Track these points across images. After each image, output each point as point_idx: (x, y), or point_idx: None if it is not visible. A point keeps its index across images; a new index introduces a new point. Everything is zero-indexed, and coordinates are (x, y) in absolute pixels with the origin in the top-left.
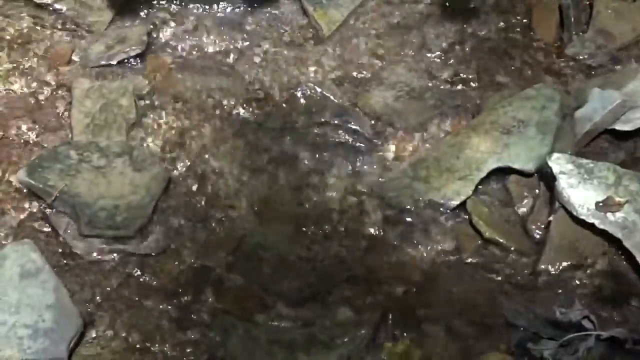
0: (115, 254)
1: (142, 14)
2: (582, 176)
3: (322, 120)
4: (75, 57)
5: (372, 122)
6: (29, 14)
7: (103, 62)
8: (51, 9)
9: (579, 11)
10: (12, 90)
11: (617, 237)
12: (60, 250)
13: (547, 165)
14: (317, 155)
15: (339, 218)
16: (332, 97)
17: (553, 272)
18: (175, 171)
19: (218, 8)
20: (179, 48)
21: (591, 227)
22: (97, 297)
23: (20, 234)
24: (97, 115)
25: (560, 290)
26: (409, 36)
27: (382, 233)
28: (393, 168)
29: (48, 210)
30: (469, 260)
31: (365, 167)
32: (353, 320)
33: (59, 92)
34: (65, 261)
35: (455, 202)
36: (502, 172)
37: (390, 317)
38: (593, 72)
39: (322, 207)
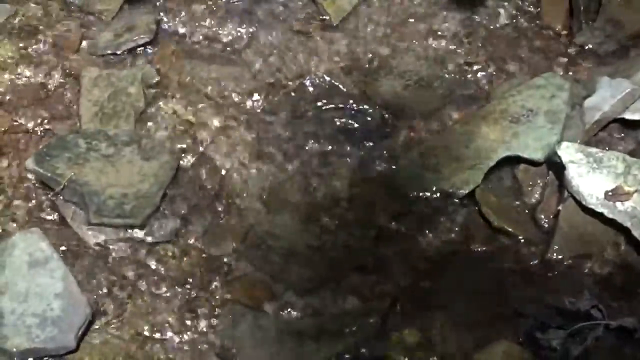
0: (123, 243)
1: (151, 2)
2: (591, 165)
3: (331, 109)
4: (83, 46)
5: (381, 111)
6: (37, 2)
7: (111, 51)
8: None
9: None
10: (20, 79)
11: (626, 227)
12: (68, 238)
13: (556, 154)
14: (325, 144)
15: (348, 207)
16: (341, 86)
17: (562, 262)
18: (183, 160)
19: None
20: (188, 36)
21: (600, 216)
22: (105, 286)
23: (28, 223)
24: (105, 103)
25: (569, 280)
26: (417, 24)
27: (390, 222)
28: (402, 157)
29: (56, 199)
30: (478, 249)
31: (374, 156)
32: (362, 309)
33: (68, 80)
34: (73, 250)
35: (464, 191)
36: (511, 161)
37: (398, 306)
38: (602, 61)
39: (331, 196)
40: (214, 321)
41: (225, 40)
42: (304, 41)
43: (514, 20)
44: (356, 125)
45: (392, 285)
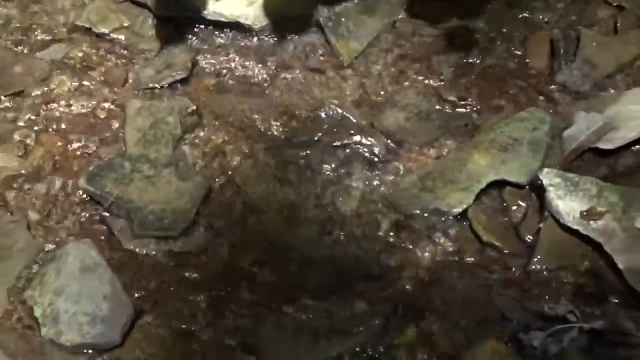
0: (162, 252)
1: (187, 43)
2: (569, 188)
3: (343, 137)
4: (129, 80)
5: (386, 139)
6: (89, 43)
7: (153, 85)
8: (109, 38)
9: (567, 43)
10: (75, 109)
11: (598, 242)
12: (115, 248)
13: (538, 178)
14: (338, 168)
15: (357, 223)
16: (351, 117)
17: (542, 272)
18: (214, 180)
19: (253, 38)
20: (219, 73)
21: (576, 233)
22: (146, 289)
23: (80, 234)
24: (147, 131)
25: (548, 288)
26: (418, 64)
27: (393, 236)
28: (404, 180)
29: (105, 214)
30: (469, 260)
31: (379, 178)
32: (368, 312)
33: (115, 110)
34: (119, 258)
35: (457, 210)
36: (499, 184)
37: (400, 309)
38: (579, 97)
39: (342, 213)
40: (240, 321)
41: (251, 76)
42: (320, 78)
43: (503, 61)
44: (364, 151)
45: (395, 291)
